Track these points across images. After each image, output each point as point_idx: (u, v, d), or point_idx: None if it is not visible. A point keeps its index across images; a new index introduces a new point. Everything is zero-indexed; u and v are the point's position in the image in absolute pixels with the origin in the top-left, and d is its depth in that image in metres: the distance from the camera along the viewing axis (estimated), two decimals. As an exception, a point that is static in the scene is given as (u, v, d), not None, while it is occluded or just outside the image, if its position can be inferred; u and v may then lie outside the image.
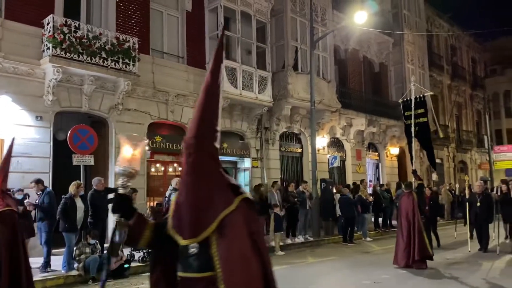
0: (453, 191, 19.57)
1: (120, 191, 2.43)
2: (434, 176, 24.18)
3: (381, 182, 19.90)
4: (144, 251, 9.45)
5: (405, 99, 10.67)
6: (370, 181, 20.39)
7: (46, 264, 8.30)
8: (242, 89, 13.71)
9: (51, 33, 10.09)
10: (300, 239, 12.91)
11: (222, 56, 2.43)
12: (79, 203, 8.45)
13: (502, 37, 38.11)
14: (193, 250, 2.15)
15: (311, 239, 13.24)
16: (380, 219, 15.99)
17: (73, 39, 10.33)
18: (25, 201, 8.42)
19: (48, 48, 10.11)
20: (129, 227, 2.34)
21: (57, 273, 8.21)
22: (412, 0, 23.38)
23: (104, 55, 10.85)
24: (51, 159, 10.42)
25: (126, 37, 11.41)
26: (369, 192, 16.09)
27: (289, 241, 12.57)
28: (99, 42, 10.77)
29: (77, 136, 9.35)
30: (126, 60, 11.26)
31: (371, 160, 21.46)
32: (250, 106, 14.62)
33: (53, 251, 8.64)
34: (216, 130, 2.29)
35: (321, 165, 16.73)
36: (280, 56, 15.81)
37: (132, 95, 11.91)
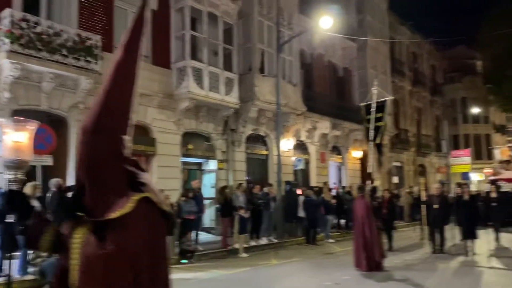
0: (413, 194, 20.20)
1: (13, 187, 2.06)
2: (395, 179, 24.91)
3: (343, 185, 20.28)
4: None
5: (366, 103, 10.71)
6: (334, 183, 20.73)
7: (-1, 269, 7.93)
8: (209, 90, 13.63)
9: (8, 27, 9.69)
10: (264, 241, 12.96)
11: (142, 25, 2.02)
12: (36, 205, 8.13)
13: (460, 46, 39.82)
14: None
15: (275, 241, 13.32)
16: (342, 221, 16.31)
17: (32, 35, 9.96)
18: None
19: (5, 44, 9.69)
20: (27, 228, 2.01)
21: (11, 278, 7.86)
22: (376, 7, 24.02)
23: (65, 52, 10.51)
24: (6, 159, 9.97)
25: (88, 35, 11.11)
26: (332, 194, 16.37)
27: (253, 243, 12.59)
28: (59, 39, 10.43)
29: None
30: (88, 58, 10.96)
31: (335, 163, 21.84)
32: (217, 107, 14.57)
33: (8, 255, 8.27)
34: (126, 120, 1.93)
35: (286, 168, 16.88)
36: (247, 58, 15.84)
37: (94, 93, 11.51)
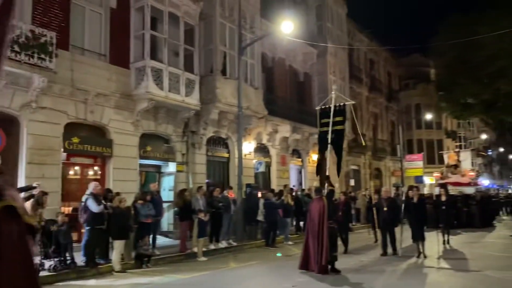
0: (369, 197, 20.75)
1: None
2: (352, 182, 25.50)
3: (303, 187, 20.54)
4: (56, 259, 8.87)
5: (323, 107, 10.66)
6: (294, 186, 20.95)
7: None
8: (168, 91, 13.42)
9: (-46, 20, 9.12)
10: (223, 244, 12.89)
11: None
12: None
13: (415, 54, 41.45)
14: None
15: (235, 244, 13.28)
16: (302, 223, 16.49)
17: (-19, 29, 9.43)
18: None
19: (-50, 37, 9.12)
20: None
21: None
22: (335, 14, 24.56)
23: (17, 49, 10.03)
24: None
25: (43, 31, 10.65)
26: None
27: (212, 246, 12.48)
28: (11, 35, 9.94)
29: (-19, 134, 8.55)
30: (42, 55, 10.51)
31: (295, 166, 22.10)
32: (177, 109, 14.36)
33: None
34: None
35: (247, 170, 16.89)
36: (208, 60, 15.75)
37: (47, 92, 11.13)
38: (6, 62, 9.43)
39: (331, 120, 10.00)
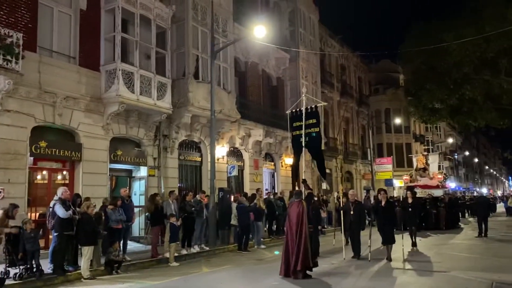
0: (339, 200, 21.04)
1: None
2: (324, 186, 25.80)
3: (276, 191, 20.65)
4: (22, 267, 8.59)
5: (293, 110, 10.56)
6: (266, 189, 21.05)
7: None
8: (140, 94, 13.24)
9: None
10: (196, 249, 12.79)
11: None
12: None
13: (385, 60, 42.52)
14: None
15: (207, 248, 13.20)
16: (274, 227, 16.57)
17: None
18: None
19: None
20: None
21: None
22: (308, 20, 24.90)
23: (-19, 49, 9.71)
24: None
25: (9, 32, 10.34)
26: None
27: (184, 251, 12.37)
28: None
29: None
30: (8, 57, 10.19)
31: (268, 170, 22.20)
32: (148, 112, 14.20)
33: None
34: None
35: (220, 174, 16.85)
36: (180, 63, 15.65)
37: (13, 95, 10.79)
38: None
39: (303, 123, 9.92)
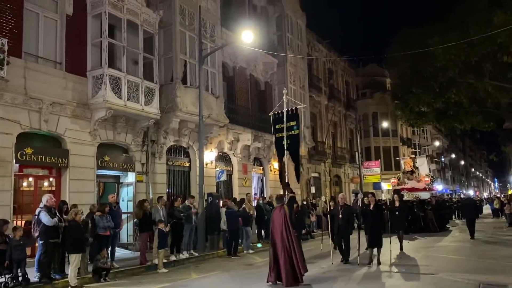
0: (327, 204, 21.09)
1: None
2: (313, 189, 25.89)
3: (265, 195, 20.65)
4: (8, 276, 8.45)
5: (276, 112, 10.48)
6: (255, 194, 21.05)
7: None
8: (127, 99, 13.17)
9: None
10: (184, 255, 12.72)
11: None
12: None
13: (372, 64, 42.94)
14: None
15: (196, 254, 13.13)
16: (263, 231, 16.55)
17: None
18: None
19: None
20: None
21: None
22: (295, 25, 25.05)
23: (-36, 55, 9.58)
24: None
25: (-7, 37, 10.23)
26: (254, 205, 16.59)
27: (173, 257, 12.29)
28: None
29: None
30: (-7, 63, 10.08)
31: (256, 174, 22.20)
32: (136, 118, 14.12)
33: None
34: None
35: (208, 179, 16.81)
36: (168, 68, 15.61)
37: (-1, 101, 10.66)
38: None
39: (285, 125, 9.84)
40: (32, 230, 9.37)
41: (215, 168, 18.13)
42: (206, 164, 16.74)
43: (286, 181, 10.08)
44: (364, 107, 39.67)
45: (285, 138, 9.84)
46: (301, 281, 8.37)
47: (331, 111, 32.20)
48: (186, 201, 13.55)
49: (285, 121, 9.90)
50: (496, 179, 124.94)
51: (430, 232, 18.88)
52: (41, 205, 9.23)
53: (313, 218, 19.62)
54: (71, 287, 8.90)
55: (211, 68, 17.11)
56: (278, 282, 8.42)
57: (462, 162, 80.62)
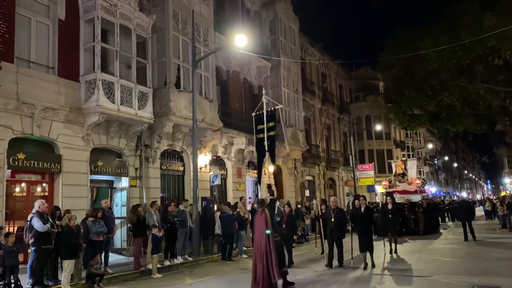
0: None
1: None
2: (307, 193, 25.91)
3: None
4: (0, 283, 8.36)
5: (257, 113, 10.32)
6: (250, 198, 21.02)
7: None
8: (120, 104, 13.12)
9: None
10: (179, 259, 12.66)
11: None
12: None
13: (365, 67, 43.15)
14: None
15: (190, 259, 13.08)
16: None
17: None
18: None
19: None
20: None
21: None
22: (288, 29, 25.13)
23: (-45, 60, 9.51)
24: None
25: (-16, 42, 10.18)
26: (249, 209, 16.55)
27: (167, 262, 12.23)
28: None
29: None
30: (-16, 68, 10.01)
31: (251, 178, 22.16)
32: (129, 122, 14.07)
33: None
34: None
35: (202, 183, 16.77)
36: (162, 72, 15.59)
37: (-10, 107, 10.59)
38: None
39: (265, 126, 9.72)
40: (24, 236, 9.28)
41: (209, 172, 18.10)
42: (200, 168, 16.71)
43: (268, 182, 9.92)
44: (358, 110, 39.84)
45: (265, 139, 9.69)
46: (291, 283, 8.29)
47: (324, 114, 32.30)
48: (180, 205, 13.51)
49: (265, 121, 9.76)
50: (488, 181, 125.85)
51: (421, 235, 18.82)
52: (34, 210, 9.16)
53: (307, 221, 19.63)
54: (64, 293, 8.82)
55: (205, 72, 17.11)
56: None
57: (455, 164, 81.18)
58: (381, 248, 12.67)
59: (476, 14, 18.95)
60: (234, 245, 14.08)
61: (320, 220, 11.71)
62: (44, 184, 12.39)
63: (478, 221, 29.52)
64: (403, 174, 23.32)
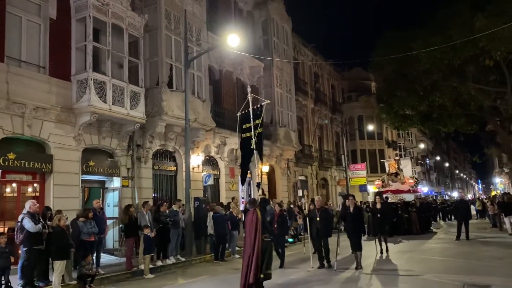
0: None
1: None
2: (300, 192, 25.91)
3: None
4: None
5: (243, 112, 10.06)
6: (243, 198, 21.00)
7: None
8: (112, 104, 13.04)
9: None
10: (171, 260, 12.62)
11: None
12: None
13: (357, 68, 43.31)
14: None
15: (183, 259, 13.04)
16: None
17: None
18: None
19: None
20: None
21: None
22: (281, 29, 25.16)
23: None
24: None
25: (-26, 41, 10.07)
26: (242, 209, 16.53)
27: (160, 263, 12.19)
28: None
29: None
30: (-26, 67, 9.91)
31: (244, 178, 22.13)
32: (121, 122, 13.99)
33: None
34: None
35: (195, 184, 16.73)
36: (154, 72, 15.52)
37: (-20, 106, 10.48)
38: None
39: (252, 124, 9.52)
40: (15, 237, 9.20)
41: (202, 172, 18.06)
42: (193, 168, 16.67)
43: (258, 181, 9.81)
44: (350, 111, 39.99)
45: (253, 137, 9.45)
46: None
47: (317, 114, 32.36)
48: (173, 206, 13.47)
49: (251, 120, 9.53)
50: (479, 181, 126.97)
51: (414, 234, 18.90)
52: (24, 211, 9.08)
53: (300, 221, 19.64)
54: (55, 294, 8.76)
55: (197, 72, 17.07)
56: None
57: (447, 164, 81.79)
58: (372, 248, 12.72)
59: (467, 15, 19.11)
60: (227, 245, 14.06)
61: (307, 219, 11.55)
62: (35, 185, 12.28)
63: (469, 220, 29.76)
64: (396, 174, 23.43)
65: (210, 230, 13.94)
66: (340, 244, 11.06)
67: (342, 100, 40.40)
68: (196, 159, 17.44)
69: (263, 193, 8.83)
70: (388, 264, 11.35)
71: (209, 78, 18.33)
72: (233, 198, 16.57)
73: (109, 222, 13.17)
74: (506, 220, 18.56)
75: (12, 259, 9.90)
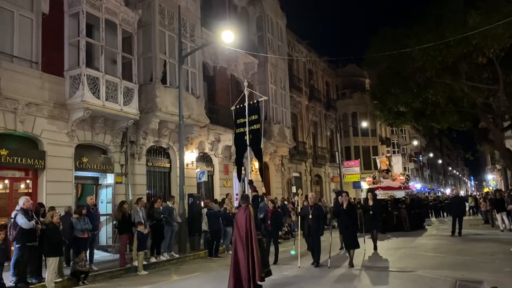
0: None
1: None
2: (294, 189, 25.98)
3: (246, 196, 20.60)
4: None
5: (238, 106, 9.89)
6: (237, 194, 21.00)
7: None
8: (106, 100, 12.98)
9: None
10: (165, 256, 12.61)
11: None
12: None
13: (351, 64, 43.40)
14: None
15: (177, 256, 13.04)
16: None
17: None
18: None
19: None
20: None
21: None
22: (275, 26, 25.13)
23: None
24: None
25: (-35, 36, 9.96)
26: (235, 206, 16.54)
27: (153, 259, 12.17)
28: None
29: None
30: (-35, 62, 9.80)
31: (238, 175, 22.14)
32: (114, 118, 13.93)
33: None
34: None
35: (189, 180, 16.71)
36: (147, 68, 15.45)
37: (-29, 102, 10.38)
38: None
39: (247, 119, 9.37)
40: (8, 233, 9.13)
41: (196, 168, 18.03)
42: (187, 165, 16.64)
43: (250, 178, 9.52)
44: (344, 107, 40.08)
45: (247, 133, 9.30)
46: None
47: (311, 111, 32.40)
48: (168, 202, 13.45)
49: (247, 115, 9.36)
50: (472, 178, 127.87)
51: (405, 231, 18.86)
52: (18, 207, 9.02)
53: (294, 218, 19.68)
54: (49, 291, 8.72)
55: (191, 68, 17.01)
56: None
57: (440, 161, 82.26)
58: (362, 245, 12.68)
59: (460, 13, 19.17)
60: (221, 241, 14.08)
61: (299, 217, 11.46)
62: (27, 181, 12.21)
63: (463, 216, 29.96)
64: (388, 170, 23.48)
65: (204, 226, 13.94)
66: (332, 241, 11.01)
67: (336, 97, 40.46)
68: (190, 155, 17.41)
69: (255, 190, 8.66)
70: (380, 261, 11.38)
71: (203, 74, 18.28)
72: (227, 195, 16.58)
73: (102, 218, 13.14)
74: (498, 216, 18.72)
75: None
